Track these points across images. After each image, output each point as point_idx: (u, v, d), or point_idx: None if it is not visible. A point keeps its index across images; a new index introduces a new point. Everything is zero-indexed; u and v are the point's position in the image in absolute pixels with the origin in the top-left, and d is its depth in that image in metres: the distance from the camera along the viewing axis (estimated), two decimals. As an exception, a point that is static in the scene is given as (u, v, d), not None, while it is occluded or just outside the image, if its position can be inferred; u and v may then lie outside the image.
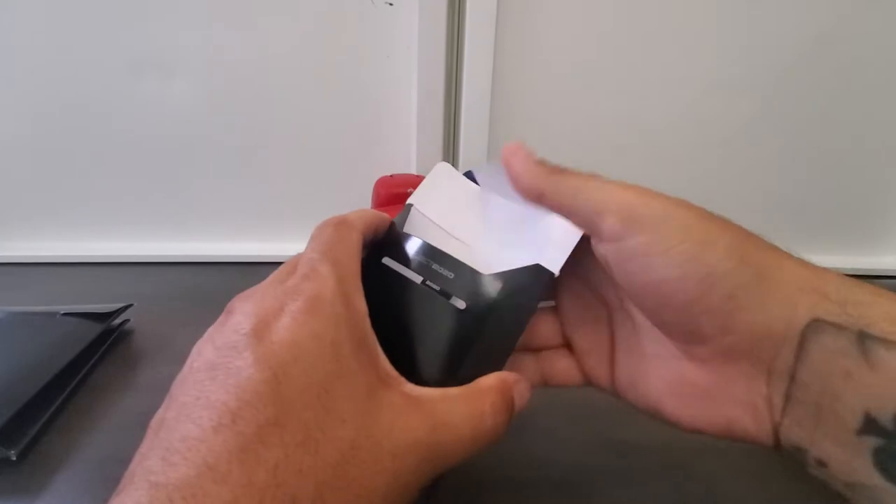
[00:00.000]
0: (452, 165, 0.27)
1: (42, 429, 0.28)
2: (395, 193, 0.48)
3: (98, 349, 0.35)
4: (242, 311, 0.18)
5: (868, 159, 0.57)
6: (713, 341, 0.18)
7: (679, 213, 0.18)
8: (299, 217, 0.57)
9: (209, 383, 0.16)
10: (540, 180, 0.20)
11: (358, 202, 0.54)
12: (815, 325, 0.16)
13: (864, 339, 0.15)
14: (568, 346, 0.24)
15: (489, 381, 0.20)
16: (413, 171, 0.54)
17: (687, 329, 0.18)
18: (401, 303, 0.23)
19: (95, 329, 0.35)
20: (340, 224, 0.21)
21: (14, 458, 0.26)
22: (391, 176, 0.51)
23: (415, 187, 0.48)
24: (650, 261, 0.18)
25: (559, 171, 0.20)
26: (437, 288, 0.23)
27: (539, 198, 0.20)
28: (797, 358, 0.16)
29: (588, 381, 0.24)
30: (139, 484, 0.15)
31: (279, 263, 0.22)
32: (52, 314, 0.36)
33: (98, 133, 0.52)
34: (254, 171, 0.55)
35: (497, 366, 0.21)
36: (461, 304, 0.22)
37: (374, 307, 0.20)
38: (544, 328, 0.25)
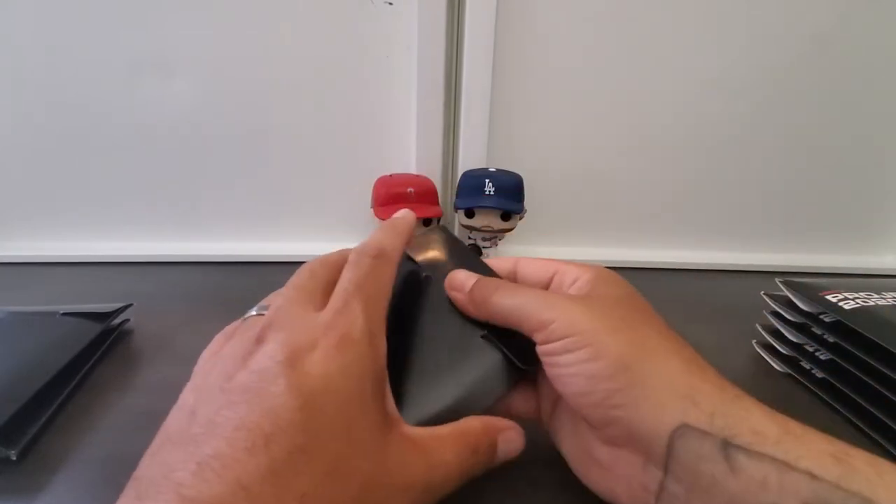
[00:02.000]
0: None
1: (42, 429, 0.28)
2: (395, 193, 0.48)
3: (98, 349, 0.35)
4: (276, 341, 0.19)
5: (868, 159, 0.57)
6: (600, 430, 0.21)
7: (584, 321, 0.21)
8: (299, 217, 0.57)
9: (242, 406, 0.17)
10: (482, 307, 0.24)
11: (358, 202, 0.54)
12: (683, 430, 0.18)
13: (727, 447, 0.18)
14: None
15: (475, 423, 0.22)
16: (413, 170, 0.54)
17: (582, 415, 0.22)
18: (413, 337, 0.25)
19: (95, 329, 0.35)
20: (379, 257, 0.23)
21: (14, 458, 0.26)
22: (391, 176, 0.51)
23: (415, 187, 0.49)
24: (557, 359, 0.21)
25: (495, 290, 0.24)
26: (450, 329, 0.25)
27: (489, 318, 0.24)
28: (668, 456, 0.19)
29: (539, 419, 0.27)
30: (168, 495, 0.15)
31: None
32: (52, 314, 0.36)
33: (98, 133, 0.52)
34: (253, 171, 0.55)
35: (483, 408, 0.23)
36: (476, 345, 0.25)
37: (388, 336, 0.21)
38: None
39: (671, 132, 0.55)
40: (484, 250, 0.52)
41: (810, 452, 0.17)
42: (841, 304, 0.33)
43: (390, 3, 0.49)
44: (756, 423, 0.18)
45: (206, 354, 0.22)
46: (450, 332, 0.25)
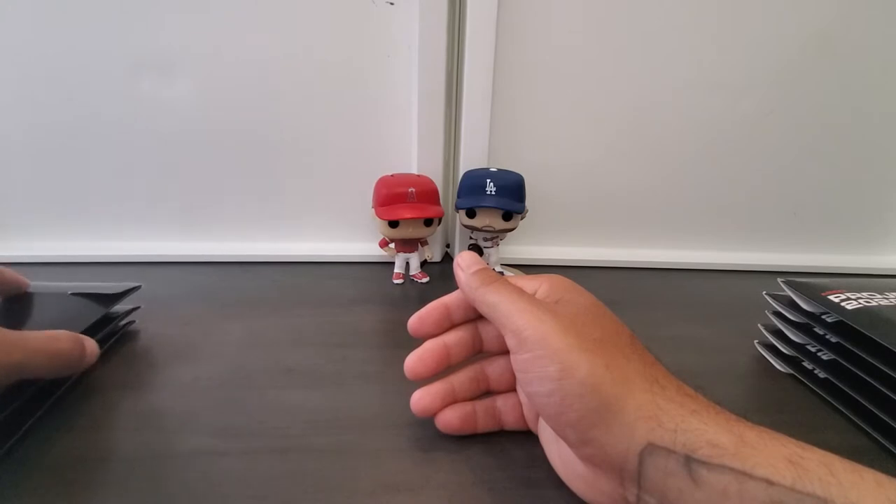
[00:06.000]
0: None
1: (42, 428, 0.28)
2: (396, 193, 0.48)
3: (102, 346, 0.35)
4: None
5: (870, 159, 0.57)
6: (577, 449, 0.22)
7: (555, 338, 0.22)
8: (300, 216, 0.57)
9: None
10: (470, 292, 0.26)
11: (358, 202, 0.54)
12: (650, 449, 0.20)
13: (689, 461, 0.19)
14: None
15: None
16: (414, 170, 0.54)
17: (559, 434, 0.23)
18: None
19: (102, 326, 0.35)
20: None
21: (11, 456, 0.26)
22: (392, 175, 0.51)
23: (416, 187, 0.49)
24: (529, 376, 0.22)
25: (487, 283, 0.25)
26: None
27: (475, 306, 0.26)
28: (639, 473, 0.20)
29: (527, 427, 0.28)
30: None
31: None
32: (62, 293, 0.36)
33: (99, 133, 0.52)
34: (254, 171, 0.55)
35: None
36: None
37: None
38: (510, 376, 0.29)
39: (672, 132, 0.55)
40: (485, 250, 0.52)
41: (766, 459, 0.18)
42: (843, 304, 0.33)
43: (391, 3, 0.49)
44: (713, 437, 0.19)
45: None
46: None
